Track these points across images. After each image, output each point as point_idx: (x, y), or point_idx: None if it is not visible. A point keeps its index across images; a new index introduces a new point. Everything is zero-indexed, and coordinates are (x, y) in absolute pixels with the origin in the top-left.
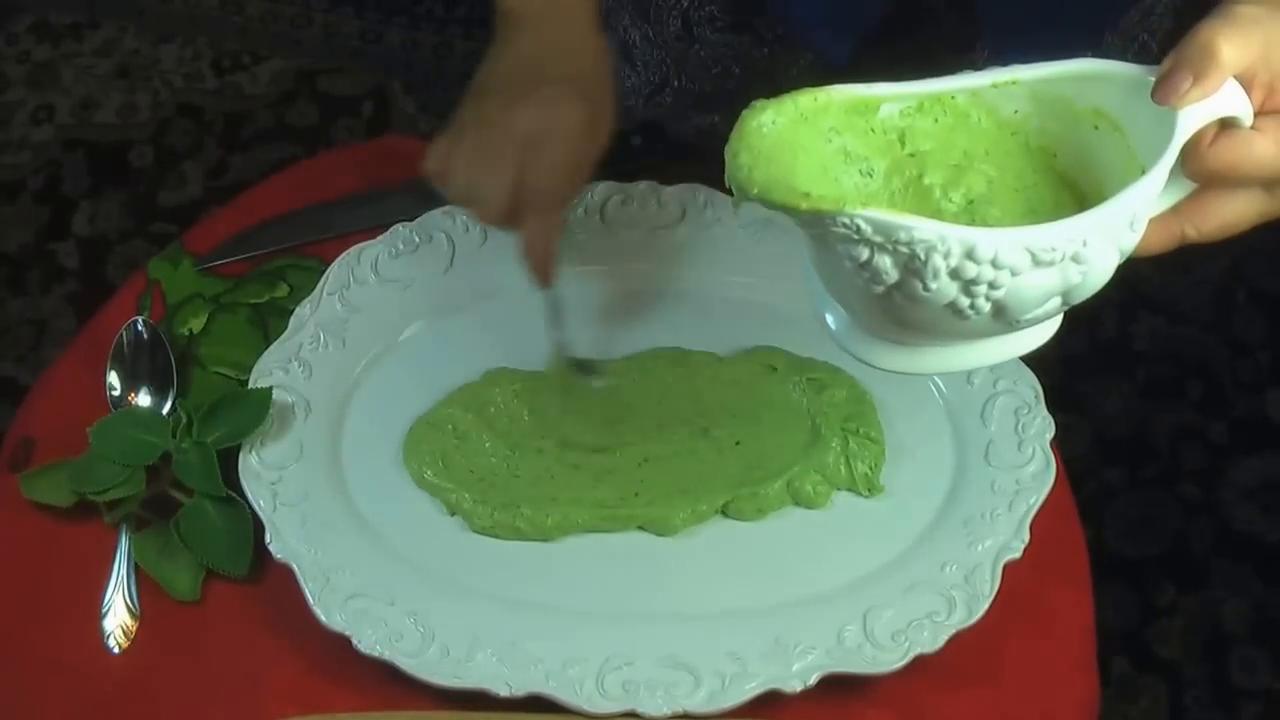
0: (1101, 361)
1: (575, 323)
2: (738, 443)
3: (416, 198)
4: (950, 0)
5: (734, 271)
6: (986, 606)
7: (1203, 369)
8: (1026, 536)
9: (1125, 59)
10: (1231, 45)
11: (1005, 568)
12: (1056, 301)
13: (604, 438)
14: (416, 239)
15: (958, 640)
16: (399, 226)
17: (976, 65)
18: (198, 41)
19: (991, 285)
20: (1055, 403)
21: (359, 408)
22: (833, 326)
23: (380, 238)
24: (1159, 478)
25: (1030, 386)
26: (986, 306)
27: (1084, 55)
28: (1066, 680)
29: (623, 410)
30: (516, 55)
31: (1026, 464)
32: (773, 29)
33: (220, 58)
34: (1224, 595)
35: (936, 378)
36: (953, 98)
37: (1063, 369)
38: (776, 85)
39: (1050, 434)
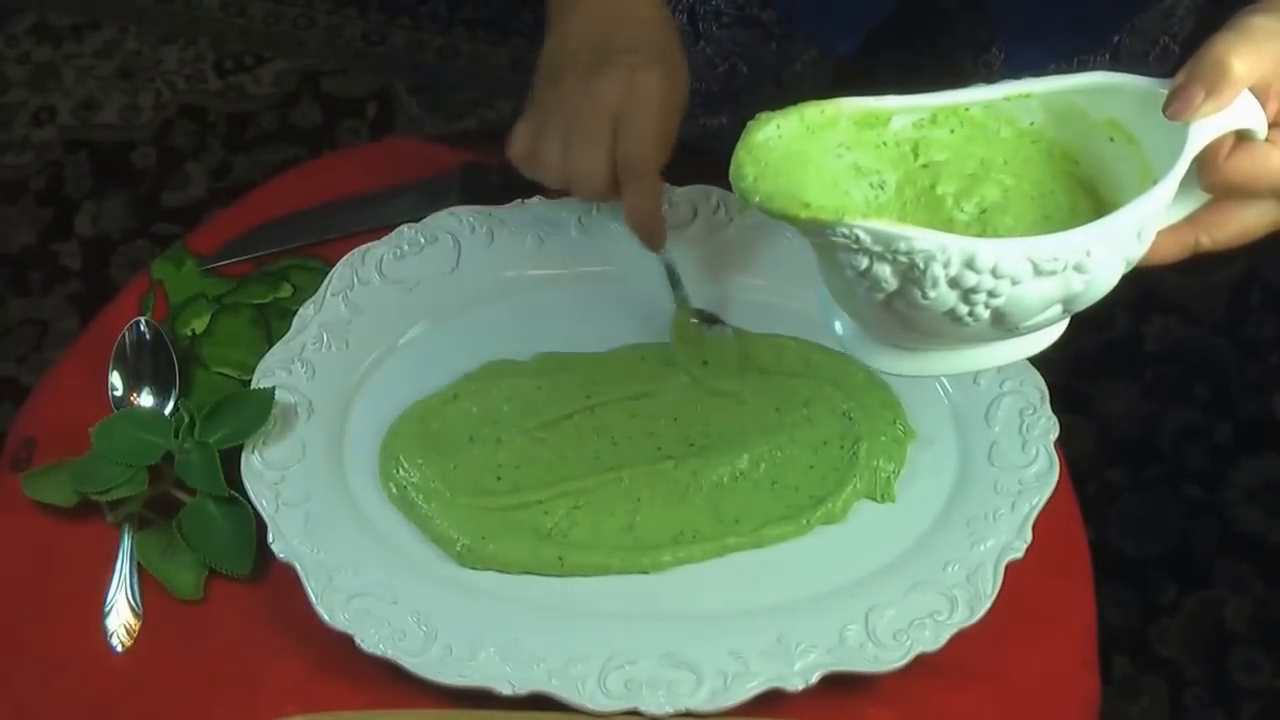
0: (1110, 361)
1: (689, 280)
2: (774, 483)
3: (422, 198)
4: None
5: (745, 273)
6: (988, 606)
7: (1211, 370)
8: (1029, 536)
9: (1146, 62)
10: (1244, 59)
11: (1007, 567)
12: (1057, 309)
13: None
14: (421, 239)
15: (959, 639)
16: (404, 227)
17: (991, 65)
18: (199, 43)
19: (991, 294)
20: (1061, 402)
21: (361, 408)
22: (839, 333)
23: (385, 238)
24: (1162, 478)
25: (1036, 387)
26: (985, 314)
27: (1099, 54)
28: (1068, 679)
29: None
30: (580, 32)
31: (1030, 464)
32: (780, 24)
33: (222, 59)
34: (1225, 595)
35: (943, 378)
36: (967, 109)
37: (1071, 368)
38: (784, 82)
39: (1054, 435)
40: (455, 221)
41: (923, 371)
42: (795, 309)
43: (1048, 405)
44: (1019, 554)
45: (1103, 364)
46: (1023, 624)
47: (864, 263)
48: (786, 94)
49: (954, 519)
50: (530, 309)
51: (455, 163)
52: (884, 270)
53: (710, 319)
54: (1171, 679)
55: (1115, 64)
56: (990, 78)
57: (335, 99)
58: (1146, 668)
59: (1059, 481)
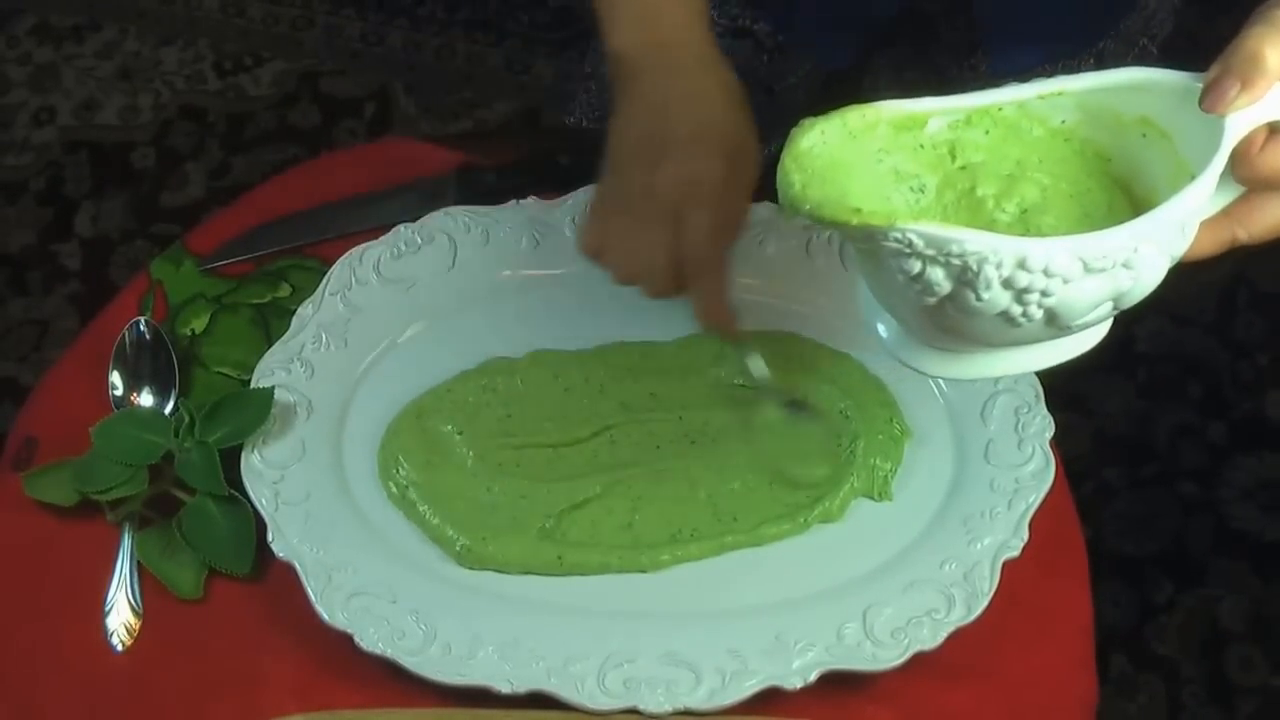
0: (1103, 362)
1: None
2: (771, 483)
3: (419, 198)
4: (948, 7)
5: (743, 272)
6: (985, 604)
7: (1203, 370)
8: (1025, 535)
9: (1126, 63)
10: (1278, 51)
11: (1004, 566)
12: (1108, 306)
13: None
14: (419, 239)
15: (957, 638)
16: (401, 227)
17: (977, 68)
18: (199, 44)
19: (1043, 293)
20: (1056, 402)
21: (360, 407)
22: (883, 336)
23: (382, 238)
24: (1158, 477)
25: (1030, 385)
26: (1039, 314)
27: (1084, 59)
28: (1065, 678)
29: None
30: (642, 113)
31: (1026, 463)
32: (773, 36)
33: (222, 60)
34: (1221, 593)
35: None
36: (1000, 109)
37: (1064, 369)
38: (776, 91)
39: (1050, 433)
40: (451, 222)
41: (967, 374)
42: (792, 308)
43: (1043, 404)
44: (1016, 552)
45: (1097, 364)
46: (1020, 622)
47: (916, 267)
48: (778, 102)
49: (951, 517)
50: (526, 308)
51: (451, 163)
52: (937, 274)
53: (800, 407)
54: (1168, 677)
55: (1100, 67)
56: (976, 82)
57: (333, 99)
58: (1143, 666)
59: (1055, 480)
